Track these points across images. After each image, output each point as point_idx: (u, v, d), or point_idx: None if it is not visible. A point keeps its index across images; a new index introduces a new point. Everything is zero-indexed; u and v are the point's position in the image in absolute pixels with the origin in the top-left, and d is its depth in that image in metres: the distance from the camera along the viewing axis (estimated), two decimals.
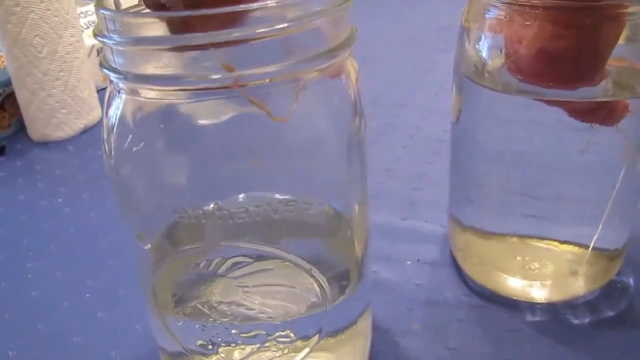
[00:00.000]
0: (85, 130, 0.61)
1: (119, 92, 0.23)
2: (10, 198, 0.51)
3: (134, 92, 0.22)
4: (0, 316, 0.39)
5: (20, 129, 0.62)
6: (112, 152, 0.23)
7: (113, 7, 0.24)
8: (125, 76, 0.21)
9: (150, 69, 0.21)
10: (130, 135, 0.22)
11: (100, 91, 0.66)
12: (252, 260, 0.23)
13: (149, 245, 0.24)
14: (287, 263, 0.23)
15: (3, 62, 0.61)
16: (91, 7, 0.73)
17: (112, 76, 0.22)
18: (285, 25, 0.20)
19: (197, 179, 0.23)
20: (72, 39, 0.58)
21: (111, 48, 0.22)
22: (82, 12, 0.71)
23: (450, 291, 0.38)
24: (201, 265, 0.24)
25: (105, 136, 0.24)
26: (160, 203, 0.23)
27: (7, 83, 0.61)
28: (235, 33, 0.19)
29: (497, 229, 0.37)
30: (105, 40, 0.22)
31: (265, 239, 0.23)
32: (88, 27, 0.70)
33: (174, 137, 0.22)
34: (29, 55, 0.57)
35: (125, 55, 0.22)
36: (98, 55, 0.67)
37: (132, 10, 0.25)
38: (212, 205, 0.22)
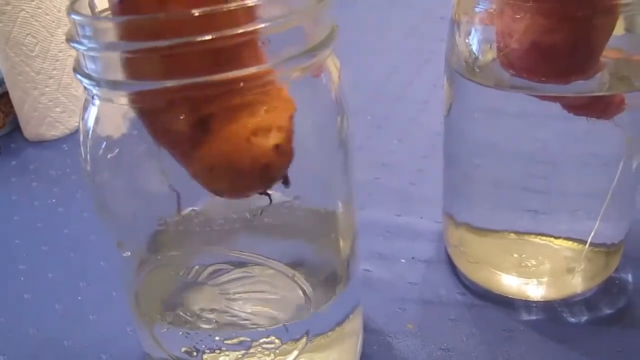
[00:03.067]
0: None
1: (92, 97, 0.22)
2: (4, 198, 0.51)
3: (107, 99, 0.21)
4: None
5: (15, 128, 0.62)
6: (88, 159, 0.23)
7: (88, 10, 0.23)
8: (98, 82, 0.21)
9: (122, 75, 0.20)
10: (104, 142, 0.22)
11: None
12: (232, 267, 0.23)
13: (129, 253, 0.24)
14: (269, 269, 0.23)
15: None
16: None
17: (85, 82, 0.21)
18: (263, 25, 0.19)
19: (173, 186, 0.22)
20: (64, 37, 0.57)
21: (83, 54, 0.21)
22: None
23: (445, 290, 0.38)
24: (181, 272, 0.23)
25: (81, 141, 0.23)
26: (136, 210, 0.22)
27: (0, 82, 0.60)
28: (210, 35, 0.19)
29: (491, 225, 0.36)
30: (76, 45, 0.21)
31: (245, 246, 0.22)
32: None
33: (149, 144, 0.22)
34: (21, 54, 0.56)
35: (97, 61, 0.21)
36: None
37: (104, 15, 0.24)
38: (189, 212, 0.22)
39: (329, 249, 0.26)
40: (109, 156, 0.22)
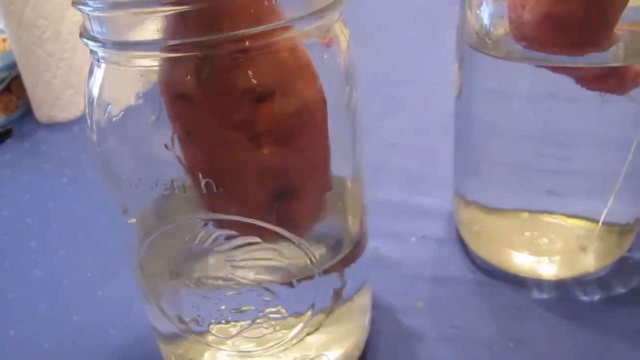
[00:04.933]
0: None
1: (98, 61, 0.22)
2: (16, 179, 0.51)
3: (114, 61, 0.21)
4: (3, 296, 0.39)
5: (28, 111, 0.62)
6: (94, 126, 0.23)
7: None
8: (104, 44, 0.21)
9: (130, 36, 0.20)
10: (109, 106, 0.22)
11: None
12: (237, 233, 0.22)
13: (134, 219, 0.24)
14: (276, 235, 0.23)
15: (8, 44, 0.61)
16: None
17: (91, 45, 0.21)
18: None
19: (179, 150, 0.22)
20: (74, 18, 0.57)
21: (89, 15, 0.21)
22: None
23: (455, 268, 0.37)
24: (187, 239, 0.23)
25: (87, 110, 0.23)
26: (142, 175, 0.22)
27: (13, 66, 0.60)
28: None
29: (503, 204, 0.36)
30: (81, 7, 0.21)
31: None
32: None
33: (155, 107, 0.22)
34: (33, 37, 0.56)
35: (104, 22, 0.21)
36: None
37: None
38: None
39: (335, 222, 0.26)
40: (113, 119, 0.21)
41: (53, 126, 0.60)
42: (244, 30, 0.19)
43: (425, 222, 0.41)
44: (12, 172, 0.53)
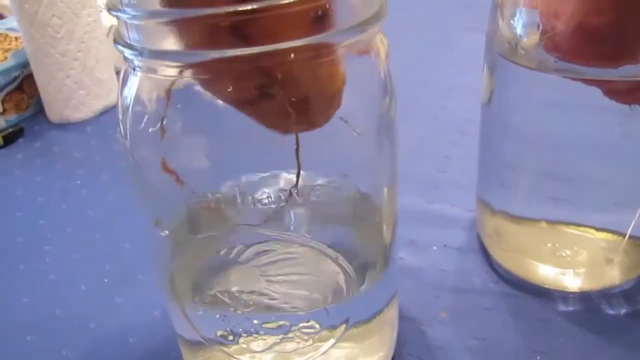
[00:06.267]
0: (104, 112, 0.61)
1: (134, 69, 0.21)
2: (28, 180, 0.51)
3: (150, 70, 0.21)
4: (18, 300, 0.38)
5: (39, 110, 0.62)
6: (128, 134, 0.22)
7: None
8: (141, 52, 0.20)
9: (168, 45, 0.20)
10: (146, 116, 0.21)
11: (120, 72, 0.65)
12: (275, 248, 0.22)
13: (167, 232, 0.23)
14: (312, 251, 0.22)
15: (21, 42, 0.60)
16: None
17: (127, 53, 0.21)
18: None
19: (217, 162, 0.21)
20: (89, 18, 0.57)
21: (125, 22, 0.20)
22: None
23: (478, 278, 0.37)
24: (222, 252, 0.22)
25: (120, 117, 0.22)
26: (178, 187, 0.21)
27: (26, 64, 0.60)
28: (257, 5, 0.18)
29: (528, 213, 0.36)
30: (118, 14, 0.20)
31: (289, 226, 0.22)
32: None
33: (193, 117, 0.21)
34: (47, 36, 0.56)
35: (141, 30, 0.20)
36: None
37: None
38: (232, 189, 0.21)
39: (372, 233, 0.25)
40: (150, 130, 0.21)
41: (65, 126, 0.59)
42: (288, 43, 0.19)
43: (446, 231, 0.40)
44: (23, 172, 0.52)
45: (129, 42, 0.21)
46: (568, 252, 0.35)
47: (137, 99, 0.22)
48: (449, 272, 0.37)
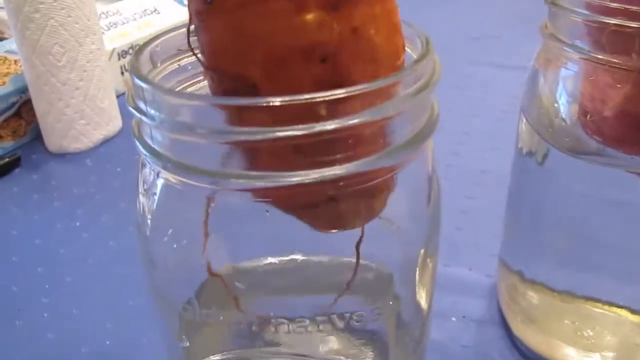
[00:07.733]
0: (104, 142, 0.58)
1: (157, 175, 0.19)
2: (25, 219, 0.49)
3: (182, 183, 0.18)
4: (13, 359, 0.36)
5: (37, 137, 0.59)
6: (148, 238, 0.20)
7: (150, 64, 0.21)
8: (165, 165, 0.18)
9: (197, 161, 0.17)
10: (171, 230, 0.19)
11: (120, 96, 0.63)
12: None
13: (188, 344, 0.21)
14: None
15: (20, 66, 0.58)
16: (113, 8, 0.70)
17: (150, 160, 0.18)
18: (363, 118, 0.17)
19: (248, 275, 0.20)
20: (92, 46, 0.55)
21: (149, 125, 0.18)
22: (103, 13, 0.68)
23: (499, 355, 0.35)
24: None
25: (138, 220, 0.20)
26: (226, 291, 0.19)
27: (24, 90, 0.57)
28: (316, 128, 0.16)
29: (552, 284, 0.34)
30: (143, 118, 0.18)
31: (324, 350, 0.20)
32: (109, 29, 0.66)
33: (219, 226, 0.19)
34: (48, 64, 0.53)
35: (166, 135, 0.18)
36: (119, 59, 0.64)
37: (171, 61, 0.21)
38: (266, 311, 0.19)
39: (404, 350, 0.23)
40: (174, 246, 0.19)
41: (64, 156, 0.57)
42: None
43: (465, 299, 0.39)
44: (20, 209, 0.50)
45: (152, 144, 0.18)
46: (589, 332, 0.33)
47: (160, 205, 0.20)
48: (469, 347, 0.36)
